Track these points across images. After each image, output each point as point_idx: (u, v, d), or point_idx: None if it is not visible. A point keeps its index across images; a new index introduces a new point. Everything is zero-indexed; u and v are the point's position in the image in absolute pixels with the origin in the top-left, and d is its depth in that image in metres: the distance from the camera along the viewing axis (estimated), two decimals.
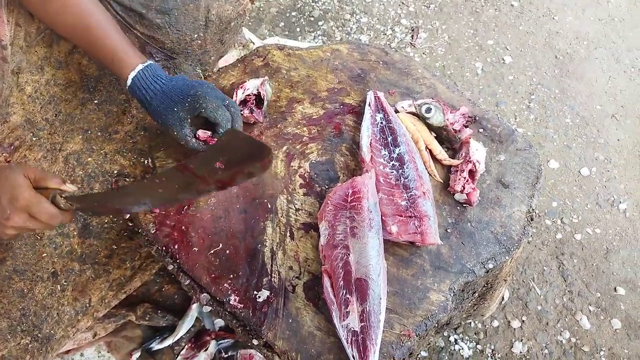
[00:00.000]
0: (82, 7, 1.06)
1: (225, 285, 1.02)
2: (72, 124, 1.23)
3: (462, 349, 1.62)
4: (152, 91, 1.05)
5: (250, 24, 2.58)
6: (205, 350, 1.52)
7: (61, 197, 0.90)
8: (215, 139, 1.08)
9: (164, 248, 1.07)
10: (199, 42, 1.30)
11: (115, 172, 1.28)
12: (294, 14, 2.63)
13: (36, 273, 1.12)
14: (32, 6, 1.10)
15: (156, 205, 0.94)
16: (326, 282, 0.96)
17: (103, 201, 0.94)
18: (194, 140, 1.07)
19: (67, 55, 1.23)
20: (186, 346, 1.53)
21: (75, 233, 1.19)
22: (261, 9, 2.65)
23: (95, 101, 1.26)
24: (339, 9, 2.64)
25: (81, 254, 1.20)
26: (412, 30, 2.51)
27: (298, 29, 2.56)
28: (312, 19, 2.60)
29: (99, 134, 1.27)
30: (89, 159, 1.25)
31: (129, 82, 1.06)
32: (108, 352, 1.56)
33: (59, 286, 1.15)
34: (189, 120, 1.06)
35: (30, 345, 1.07)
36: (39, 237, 1.14)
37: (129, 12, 1.21)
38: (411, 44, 2.45)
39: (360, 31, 2.53)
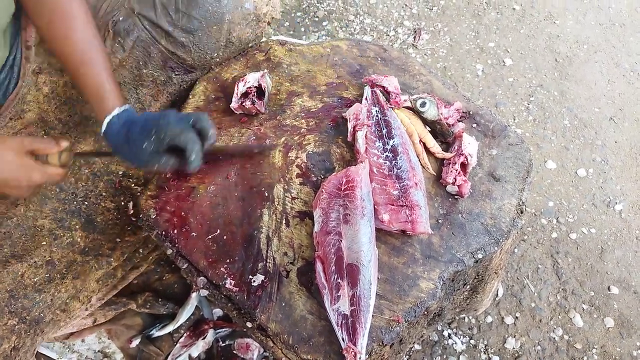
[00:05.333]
0: (83, 43, 1.09)
1: (221, 269, 1.05)
2: (86, 126, 1.27)
3: (456, 343, 1.64)
4: (122, 136, 1.04)
5: None
6: (204, 338, 1.55)
7: (67, 152, 1.05)
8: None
9: (163, 233, 1.11)
10: (217, 60, 1.35)
11: (120, 172, 1.32)
12: (299, 14, 2.67)
13: (33, 259, 1.15)
14: (37, 26, 1.13)
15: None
16: (319, 267, 0.99)
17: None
18: (172, 161, 1.01)
19: None
20: (185, 334, 1.56)
21: (77, 227, 1.23)
22: None
23: None
24: (343, 10, 2.67)
25: (84, 247, 1.24)
26: (415, 31, 2.55)
27: (303, 29, 2.60)
28: (316, 19, 2.64)
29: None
30: (96, 158, 1.29)
31: (103, 127, 1.07)
32: (108, 338, 1.60)
33: (58, 274, 1.18)
34: (164, 150, 1.00)
35: (17, 327, 1.10)
36: (39, 230, 1.18)
37: (156, 28, 1.26)
38: (413, 45, 2.49)
39: (363, 32, 2.57)
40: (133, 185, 1.32)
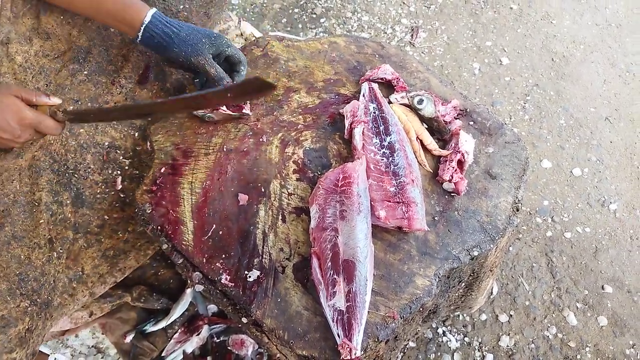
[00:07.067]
0: None
1: (217, 264, 1.05)
2: (62, 94, 1.25)
3: (450, 340, 1.65)
4: (175, 26, 1.13)
5: (253, 19, 2.62)
6: (198, 334, 1.55)
7: (59, 111, 1.05)
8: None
9: (159, 228, 1.10)
10: (185, 13, 1.34)
11: (107, 143, 1.29)
12: (296, 10, 2.67)
13: (33, 240, 1.14)
14: None
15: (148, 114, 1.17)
16: (315, 263, 0.99)
17: (97, 114, 1.12)
18: (222, 73, 1.16)
19: (56, 26, 1.25)
20: (179, 330, 1.56)
21: (68, 202, 1.21)
22: (264, 5, 2.69)
23: (85, 72, 1.28)
24: (340, 7, 2.67)
25: (74, 223, 1.22)
26: (412, 29, 2.55)
27: (300, 26, 2.60)
28: (314, 16, 2.64)
29: (89, 104, 1.29)
30: (81, 130, 1.27)
31: (147, 19, 1.11)
32: (102, 333, 1.59)
33: (55, 253, 1.17)
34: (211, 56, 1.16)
35: (29, 309, 1.09)
36: (36, 204, 1.16)
37: None
38: (411, 43, 2.49)
39: (361, 29, 2.57)
40: (121, 157, 1.30)
